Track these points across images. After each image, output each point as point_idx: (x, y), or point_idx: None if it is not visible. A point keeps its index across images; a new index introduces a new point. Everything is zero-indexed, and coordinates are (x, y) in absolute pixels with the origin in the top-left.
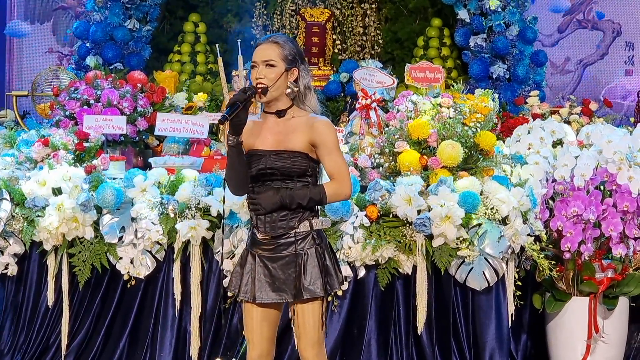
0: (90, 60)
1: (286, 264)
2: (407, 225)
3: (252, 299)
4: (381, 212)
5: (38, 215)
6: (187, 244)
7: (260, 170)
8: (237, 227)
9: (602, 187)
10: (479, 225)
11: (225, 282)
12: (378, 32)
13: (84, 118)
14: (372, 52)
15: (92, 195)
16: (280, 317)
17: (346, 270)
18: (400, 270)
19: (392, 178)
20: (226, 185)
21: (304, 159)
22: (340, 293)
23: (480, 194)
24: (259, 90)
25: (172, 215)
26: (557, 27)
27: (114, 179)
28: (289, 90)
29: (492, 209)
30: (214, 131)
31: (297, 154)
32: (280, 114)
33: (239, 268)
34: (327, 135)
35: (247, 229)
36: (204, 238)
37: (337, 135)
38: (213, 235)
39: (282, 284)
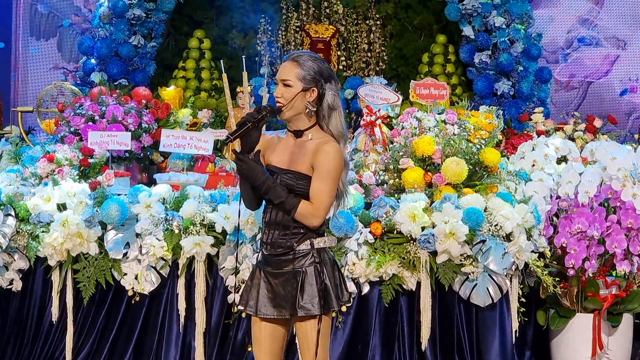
0: (95, 77)
1: (286, 280)
2: (411, 241)
3: (255, 313)
4: (385, 229)
5: (43, 231)
6: (191, 260)
7: None
8: (241, 243)
9: (606, 204)
10: (483, 241)
11: (230, 297)
12: (383, 48)
13: (88, 134)
14: (377, 68)
15: (97, 211)
16: (287, 334)
17: (350, 287)
18: (404, 287)
19: (396, 195)
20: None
21: (308, 182)
22: (344, 309)
23: (485, 211)
24: (269, 109)
25: (176, 231)
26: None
27: (119, 195)
28: (307, 110)
29: (496, 225)
30: (218, 147)
31: (303, 177)
32: (297, 134)
33: (249, 282)
34: (326, 161)
35: (252, 245)
36: (208, 254)
37: (339, 166)
38: (218, 252)
39: (282, 300)
